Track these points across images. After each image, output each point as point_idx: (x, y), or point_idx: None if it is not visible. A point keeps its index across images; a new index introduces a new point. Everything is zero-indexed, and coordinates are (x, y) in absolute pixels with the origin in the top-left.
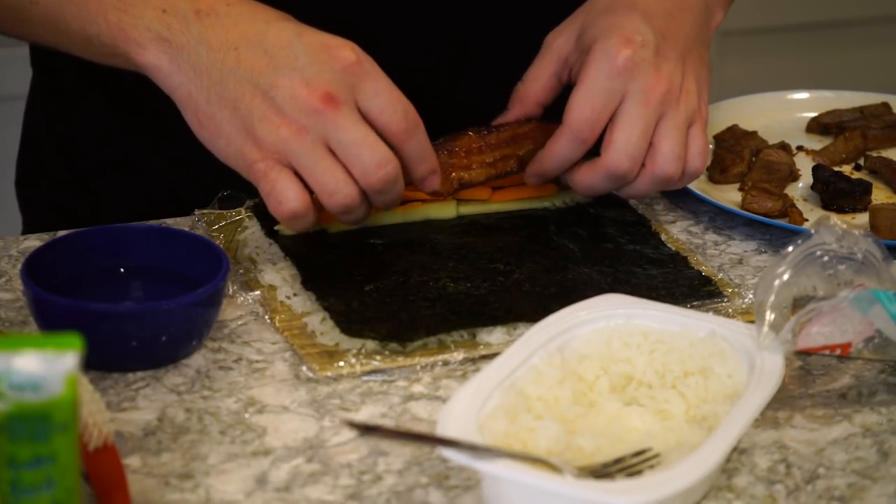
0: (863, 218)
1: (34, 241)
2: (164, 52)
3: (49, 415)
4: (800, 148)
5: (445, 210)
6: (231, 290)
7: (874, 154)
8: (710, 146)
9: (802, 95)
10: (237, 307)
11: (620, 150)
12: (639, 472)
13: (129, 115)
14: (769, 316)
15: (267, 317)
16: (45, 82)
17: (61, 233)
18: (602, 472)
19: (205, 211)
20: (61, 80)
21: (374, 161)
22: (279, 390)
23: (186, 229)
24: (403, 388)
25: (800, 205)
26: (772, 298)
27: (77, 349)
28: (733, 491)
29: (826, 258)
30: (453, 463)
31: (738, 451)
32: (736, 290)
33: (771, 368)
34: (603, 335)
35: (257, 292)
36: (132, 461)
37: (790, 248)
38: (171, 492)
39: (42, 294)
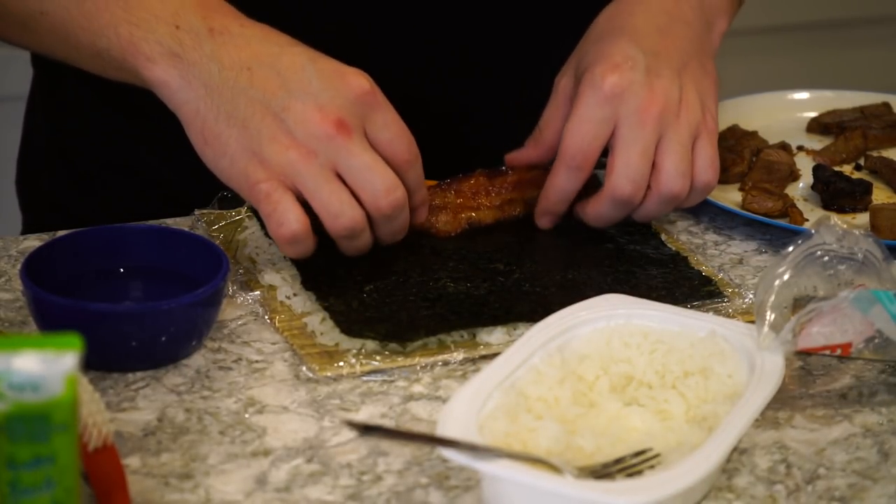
0: (863, 218)
1: (34, 241)
2: (175, 68)
3: (49, 415)
4: (800, 148)
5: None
6: (231, 290)
7: (874, 154)
8: None
9: (803, 95)
10: (237, 307)
11: (621, 175)
12: (639, 473)
13: (129, 115)
14: (769, 316)
15: (267, 317)
16: (45, 83)
17: (61, 233)
18: (602, 472)
19: (205, 211)
20: (62, 81)
21: (385, 186)
22: (279, 390)
23: (186, 229)
24: (403, 388)
25: (800, 205)
26: (772, 298)
27: (77, 349)
28: (733, 491)
29: (826, 258)
30: (453, 463)
31: (739, 452)
32: (736, 290)
33: (771, 368)
34: (603, 335)
35: (257, 292)
36: (132, 461)
37: (790, 249)
38: (171, 492)
39: (42, 294)
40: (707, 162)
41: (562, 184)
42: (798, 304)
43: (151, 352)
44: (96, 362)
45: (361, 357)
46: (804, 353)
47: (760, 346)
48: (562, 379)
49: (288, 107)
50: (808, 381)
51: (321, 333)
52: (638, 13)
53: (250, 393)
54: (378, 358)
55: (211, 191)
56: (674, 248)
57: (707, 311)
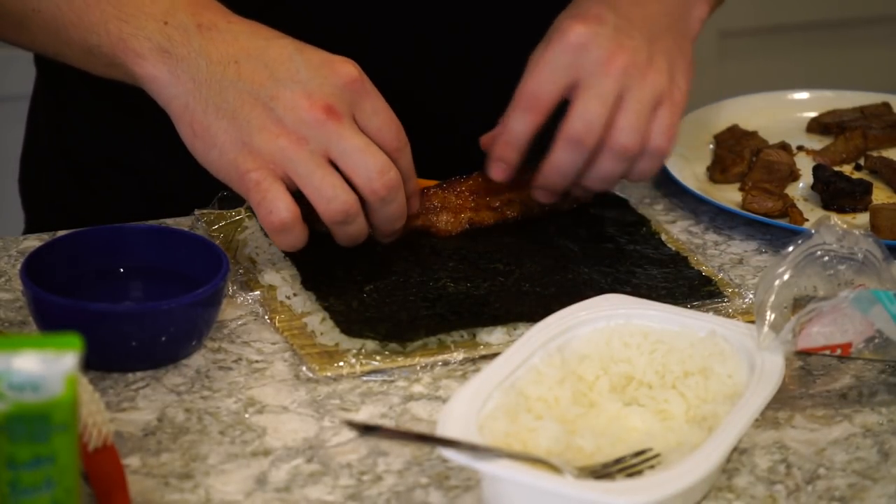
0: (863, 218)
1: (34, 241)
2: (164, 64)
3: (49, 415)
4: (800, 148)
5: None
6: (231, 290)
7: (874, 154)
8: (711, 146)
9: (803, 95)
10: (237, 307)
11: (575, 117)
12: (639, 473)
13: (130, 115)
14: (769, 316)
15: (267, 317)
16: (48, 82)
17: (61, 233)
18: (602, 472)
19: (205, 211)
20: (64, 80)
21: (378, 167)
22: (279, 390)
23: (186, 229)
24: (403, 388)
25: (800, 205)
26: (772, 298)
27: (77, 349)
28: (733, 491)
29: (826, 258)
30: (453, 463)
31: (739, 452)
32: (736, 290)
33: (771, 368)
34: (603, 335)
35: (257, 292)
36: (132, 461)
37: (790, 248)
38: (171, 492)
39: (42, 294)
40: (663, 128)
41: (513, 126)
42: (798, 304)
43: (151, 352)
44: (96, 362)
45: (361, 357)
46: (804, 353)
47: (760, 346)
48: (562, 379)
49: (276, 95)
50: (808, 381)
51: (321, 333)
52: None
53: (250, 393)
54: (378, 358)
55: (211, 191)
56: (674, 248)
57: (707, 311)
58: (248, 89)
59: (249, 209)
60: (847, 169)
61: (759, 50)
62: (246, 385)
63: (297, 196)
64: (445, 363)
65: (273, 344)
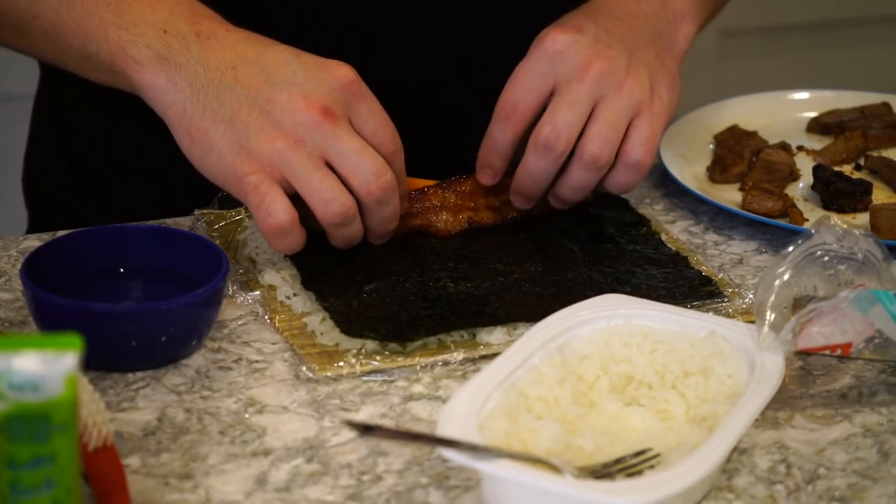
0: (863, 218)
1: (34, 241)
2: (162, 71)
3: (49, 415)
4: (800, 148)
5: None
6: (231, 290)
7: (874, 154)
8: (711, 146)
9: (803, 95)
10: (237, 307)
11: (544, 122)
12: (639, 473)
13: (133, 116)
14: (769, 316)
15: (267, 317)
16: (52, 83)
17: (61, 233)
18: (602, 472)
19: (205, 211)
20: (67, 81)
21: (375, 169)
22: (279, 390)
23: (186, 229)
24: (403, 388)
25: (800, 205)
26: (772, 298)
27: (77, 349)
28: (733, 491)
29: (826, 258)
30: (453, 463)
31: (739, 452)
32: (736, 290)
33: (771, 368)
34: (603, 335)
35: (257, 292)
36: (132, 461)
37: (790, 249)
38: (171, 492)
39: (41, 294)
40: (641, 140)
41: (494, 134)
42: (798, 304)
43: (151, 352)
44: (96, 362)
45: (361, 357)
46: (804, 353)
47: (760, 346)
48: (562, 379)
49: (273, 98)
50: (808, 381)
51: (321, 333)
52: (596, 5)
53: (250, 393)
54: (378, 358)
55: (211, 191)
56: (674, 248)
57: (707, 311)
58: (246, 93)
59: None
60: (847, 169)
61: (759, 50)
62: (246, 385)
63: (294, 197)
64: (445, 363)
65: (273, 344)
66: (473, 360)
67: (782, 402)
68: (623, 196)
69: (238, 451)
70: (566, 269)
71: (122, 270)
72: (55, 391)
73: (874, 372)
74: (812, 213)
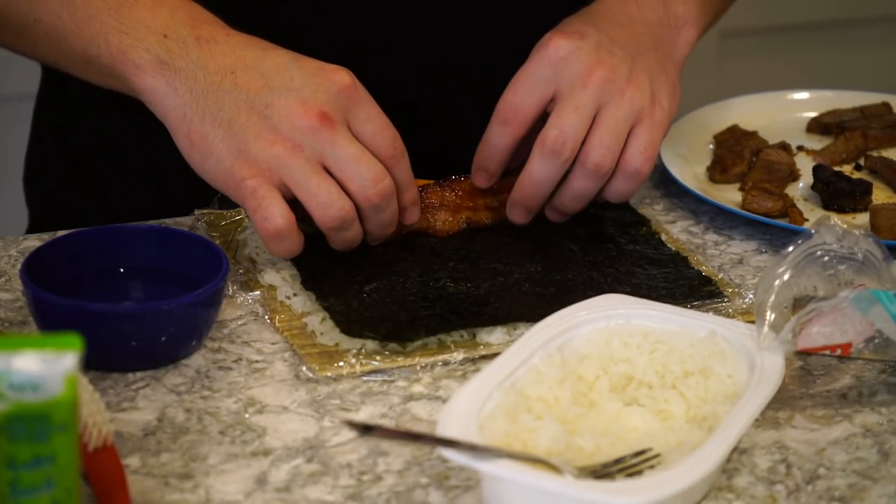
0: (863, 218)
1: (34, 241)
2: (162, 75)
3: (49, 415)
4: (800, 148)
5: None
6: (231, 290)
7: (874, 154)
8: (711, 146)
9: (803, 95)
10: (237, 307)
11: (551, 126)
12: (639, 473)
13: (133, 115)
14: (769, 316)
15: (267, 317)
16: (52, 82)
17: (61, 233)
18: (602, 472)
19: (205, 211)
20: (70, 81)
21: (373, 175)
22: (279, 390)
23: (186, 229)
24: (403, 388)
25: (800, 205)
26: (772, 298)
27: (77, 349)
28: (733, 491)
29: (826, 258)
30: (453, 463)
31: (739, 452)
32: (736, 290)
33: (771, 369)
34: (603, 335)
35: (257, 292)
36: (132, 461)
37: (790, 249)
38: (171, 492)
39: (41, 294)
40: (640, 148)
41: (491, 137)
42: (798, 304)
43: (151, 352)
44: (96, 362)
45: (361, 357)
46: (804, 353)
47: (760, 346)
48: (562, 379)
49: (271, 104)
50: (808, 381)
51: (321, 333)
52: (597, 9)
53: (250, 393)
54: (378, 358)
55: (211, 191)
56: (674, 248)
57: (707, 311)
58: (244, 98)
59: None
60: (847, 169)
61: (759, 50)
62: (246, 385)
63: (292, 202)
64: (445, 363)
65: (273, 344)
66: (473, 360)
67: (782, 402)
68: None
69: (238, 451)
70: (566, 269)
71: (122, 270)
72: (55, 391)
73: (874, 372)
74: (812, 213)
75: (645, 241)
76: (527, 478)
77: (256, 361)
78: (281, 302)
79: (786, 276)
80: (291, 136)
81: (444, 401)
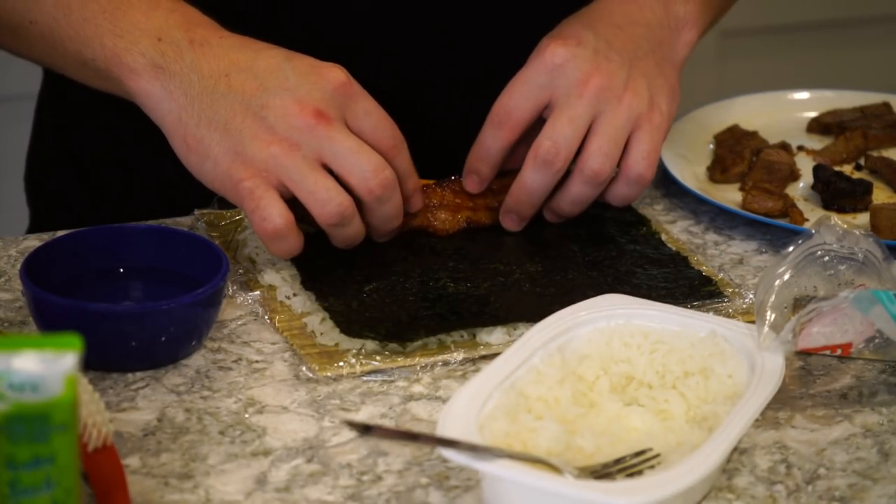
0: (863, 218)
1: (34, 241)
2: (157, 79)
3: (48, 415)
4: (800, 148)
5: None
6: (231, 290)
7: (875, 154)
8: (711, 146)
9: (803, 95)
10: (237, 307)
11: (543, 137)
12: (639, 473)
13: (133, 115)
14: (770, 316)
15: (267, 317)
16: (53, 82)
17: (60, 233)
18: (602, 472)
19: (205, 211)
20: (69, 81)
21: (373, 166)
22: (279, 390)
23: (186, 229)
24: (403, 388)
25: (800, 205)
26: (772, 298)
27: (76, 349)
28: (734, 491)
29: (827, 258)
30: (453, 463)
31: (739, 452)
32: (736, 290)
33: (771, 369)
34: (603, 335)
35: (257, 292)
36: (132, 461)
37: (791, 248)
38: (171, 492)
39: (41, 294)
40: (642, 153)
41: (484, 140)
42: (798, 304)
43: (151, 352)
44: (96, 362)
45: (361, 357)
46: (804, 353)
47: (761, 347)
48: (562, 379)
49: (267, 104)
50: (808, 381)
51: (321, 333)
52: (597, 10)
53: (250, 393)
54: (378, 358)
55: (211, 191)
56: (674, 248)
57: (707, 311)
58: (240, 100)
59: None
60: (847, 169)
61: (760, 50)
62: (246, 385)
63: (293, 202)
64: (445, 363)
65: (273, 344)
66: (473, 360)
67: (782, 402)
68: None
69: (238, 451)
70: (566, 269)
71: (122, 270)
72: (55, 391)
73: (874, 372)
74: (812, 213)
75: (645, 241)
76: (527, 478)
77: (256, 361)
78: (281, 302)
79: (786, 276)
80: (288, 136)
81: (444, 401)
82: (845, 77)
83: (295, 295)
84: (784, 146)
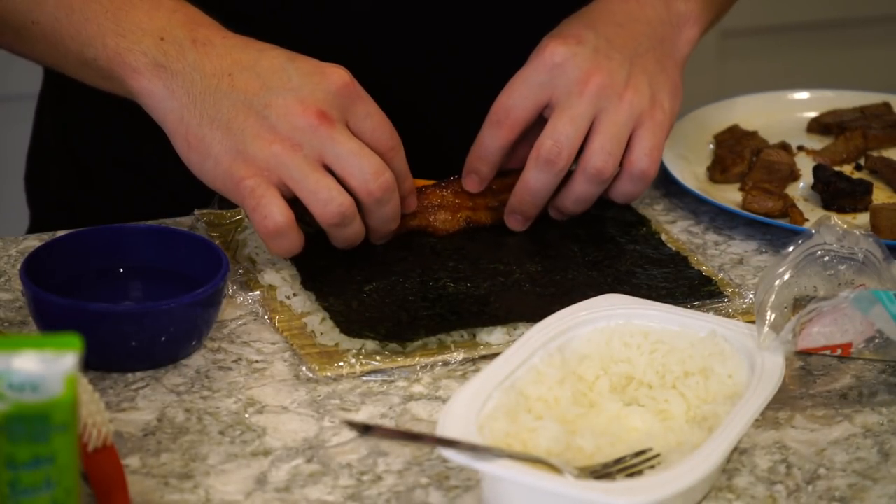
0: (863, 218)
1: (34, 241)
2: (159, 78)
3: (48, 415)
4: (800, 148)
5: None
6: (231, 290)
7: (875, 154)
8: (711, 146)
9: (803, 95)
10: (237, 307)
11: (544, 136)
12: (639, 473)
13: (134, 115)
14: (770, 316)
15: (267, 317)
16: (54, 82)
17: (60, 233)
18: (602, 472)
19: (205, 211)
20: (70, 80)
21: (373, 169)
22: (279, 390)
23: (186, 229)
24: (403, 388)
25: (800, 205)
26: (772, 298)
27: (76, 349)
28: (734, 491)
29: (827, 258)
30: (453, 463)
31: (739, 452)
32: (736, 290)
33: (771, 369)
34: (603, 335)
35: (257, 292)
36: (132, 461)
37: (791, 249)
38: (171, 492)
39: (41, 294)
40: (644, 150)
41: (484, 139)
42: (798, 304)
43: (151, 352)
44: (96, 362)
45: (361, 357)
46: (804, 353)
47: (761, 347)
48: (562, 379)
49: (269, 104)
50: (808, 381)
51: (321, 333)
52: (597, 9)
53: (250, 393)
54: (378, 358)
55: (211, 191)
56: (674, 248)
57: (707, 311)
58: (242, 99)
59: None
60: (847, 169)
61: (760, 50)
62: (246, 385)
63: (293, 202)
64: (445, 363)
65: (273, 344)
66: (473, 360)
67: (782, 402)
68: None
69: (238, 451)
70: (566, 269)
71: (121, 270)
72: (55, 391)
73: (874, 372)
74: (812, 213)
75: (645, 241)
76: (527, 478)
77: (256, 361)
78: (281, 302)
79: (786, 276)
80: (290, 136)
81: (444, 401)
82: (845, 77)
83: (295, 295)
84: (784, 146)
